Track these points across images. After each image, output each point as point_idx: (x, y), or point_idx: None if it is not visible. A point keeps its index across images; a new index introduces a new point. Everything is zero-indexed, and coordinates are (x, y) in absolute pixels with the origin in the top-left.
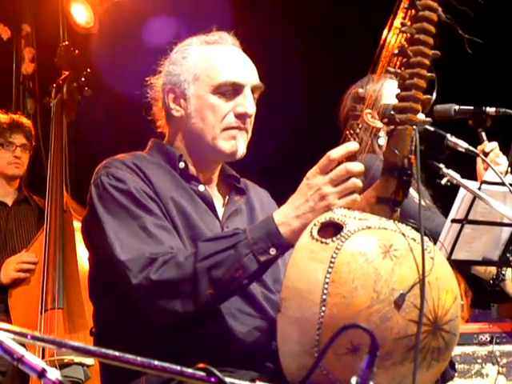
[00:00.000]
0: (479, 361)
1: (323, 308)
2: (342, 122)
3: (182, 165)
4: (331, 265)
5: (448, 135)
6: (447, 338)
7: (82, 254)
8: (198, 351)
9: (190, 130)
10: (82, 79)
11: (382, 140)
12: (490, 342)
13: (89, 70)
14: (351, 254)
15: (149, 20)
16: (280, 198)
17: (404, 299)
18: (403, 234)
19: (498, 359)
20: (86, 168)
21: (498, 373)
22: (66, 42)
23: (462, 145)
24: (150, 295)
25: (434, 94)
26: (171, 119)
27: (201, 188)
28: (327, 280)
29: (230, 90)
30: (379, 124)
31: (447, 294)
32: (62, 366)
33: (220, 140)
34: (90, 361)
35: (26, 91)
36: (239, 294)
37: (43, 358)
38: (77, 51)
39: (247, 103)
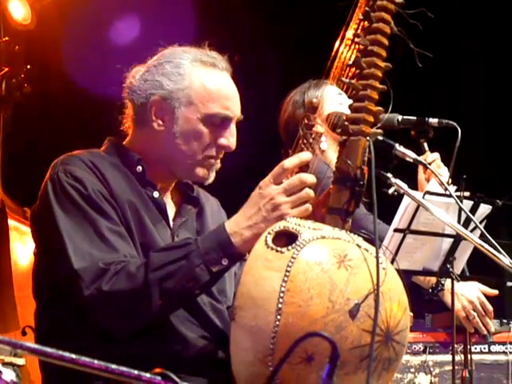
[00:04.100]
0: (412, 370)
1: (278, 317)
2: (281, 127)
3: (139, 169)
4: (287, 273)
5: (396, 145)
6: (398, 348)
7: (17, 253)
8: (144, 358)
9: (170, 149)
10: (22, 76)
11: (324, 144)
12: (424, 352)
13: (29, 66)
14: (306, 263)
15: (91, 16)
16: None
17: (359, 309)
18: (357, 245)
19: (431, 369)
20: (18, 165)
21: (431, 382)
22: (6, 38)
23: (410, 155)
24: (101, 306)
25: (390, 107)
26: (146, 127)
27: (155, 194)
28: (283, 289)
29: (219, 122)
30: (320, 129)
31: (398, 304)
32: None
33: (198, 167)
34: (20, 361)
35: None
36: (189, 305)
37: None
38: (17, 47)
39: (231, 138)
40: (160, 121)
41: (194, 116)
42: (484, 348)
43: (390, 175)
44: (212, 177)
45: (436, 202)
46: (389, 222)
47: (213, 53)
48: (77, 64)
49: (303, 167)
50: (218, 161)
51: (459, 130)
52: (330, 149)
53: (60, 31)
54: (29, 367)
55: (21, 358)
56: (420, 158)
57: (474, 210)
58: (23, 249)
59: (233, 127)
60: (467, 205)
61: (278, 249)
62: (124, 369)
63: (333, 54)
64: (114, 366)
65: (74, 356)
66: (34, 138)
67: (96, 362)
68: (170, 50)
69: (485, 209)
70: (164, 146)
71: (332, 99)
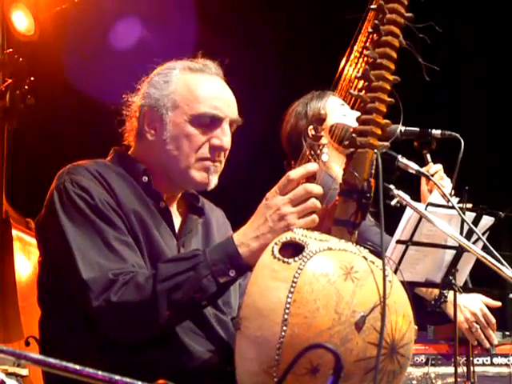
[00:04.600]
0: (414, 382)
1: (284, 328)
2: (284, 138)
3: (145, 179)
4: (293, 284)
5: (399, 156)
6: (402, 361)
7: (20, 263)
8: (148, 368)
9: (163, 156)
10: (26, 87)
11: (326, 156)
12: (426, 364)
13: (32, 78)
14: (313, 275)
15: (93, 26)
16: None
17: (364, 321)
18: (364, 257)
19: (433, 381)
20: (21, 176)
21: None
22: (10, 50)
23: (413, 166)
24: (109, 317)
25: (401, 121)
26: (143, 140)
27: (161, 205)
28: (289, 300)
29: (208, 122)
30: (324, 140)
31: (404, 318)
32: None
33: (193, 170)
34: (24, 371)
35: None
36: (194, 315)
37: None
38: (21, 59)
39: (224, 137)
40: (152, 130)
41: (182, 119)
42: (486, 360)
43: (392, 187)
44: (214, 181)
45: (438, 213)
46: (391, 233)
47: (203, 60)
48: (80, 73)
49: (310, 178)
50: (219, 164)
51: (462, 141)
52: (332, 160)
53: (63, 42)
54: (32, 378)
55: (24, 368)
56: (423, 170)
57: (476, 221)
58: (26, 259)
59: (226, 127)
60: (470, 216)
61: (285, 259)
62: (128, 380)
63: (341, 66)
64: (117, 377)
65: (77, 367)
66: (38, 149)
67: (100, 373)
68: (165, 64)
69: (487, 220)
70: (159, 154)
71: (335, 110)
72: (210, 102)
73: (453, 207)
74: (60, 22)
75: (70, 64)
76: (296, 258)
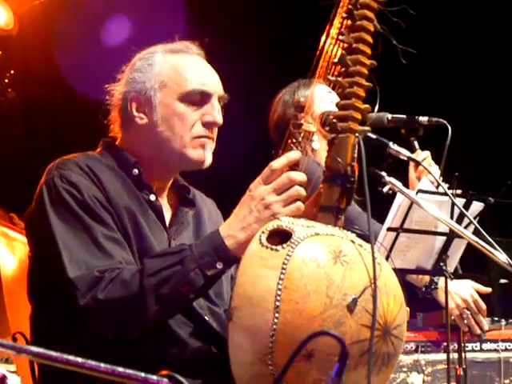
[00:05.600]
0: (405, 369)
1: (276, 315)
2: (272, 128)
3: (135, 171)
4: (283, 271)
5: (390, 143)
6: (396, 343)
7: (5, 259)
8: (142, 362)
9: (155, 138)
10: (6, 81)
11: (317, 144)
12: (416, 351)
13: (12, 71)
14: (302, 260)
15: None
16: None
17: (356, 304)
18: (351, 241)
19: (424, 368)
20: (3, 171)
21: (423, 381)
22: None
23: (404, 153)
24: (97, 314)
25: (377, 105)
26: (132, 126)
27: (152, 197)
28: (280, 286)
29: (198, 99)
30: (312, 128)
31: (395, 299)
32: None
33: (189, 148)
34: (11, 367)
35: None
36: (185, 308)
37: None
38: (0, 52)
39: (215, 112)
40: (142, 114)
41: (171, 98)
42: (476, 346)
43: (384, 173)
44: (209, 158)
45: (428, 200)
46: (381, 221)
47: (184, 42)
48: (62, 67)
49: (293, 166)
50: (212, 140)
51: (449, 127)
52: (321, 148)
53: (43, 35)
54: (19, 373)
55: (12, 364)
56: (414, 156)
57: (466, 207)
58: (11, 254)
59: (215, 102)
60: (459, 202)
61: (273, 247)
62: (131, 371)
63: (318, 52)
64: (120, 369)
65: (79, 360)
66: (20, 143)
67: (102, 365)
68: (144, 51)
69: (477, 206)
70: (151, 138)
71: (322, 98)
72: (197, 79)
73: (444, 193)
74: (40, 15)
75: (51, 57)
76: (284, 245)
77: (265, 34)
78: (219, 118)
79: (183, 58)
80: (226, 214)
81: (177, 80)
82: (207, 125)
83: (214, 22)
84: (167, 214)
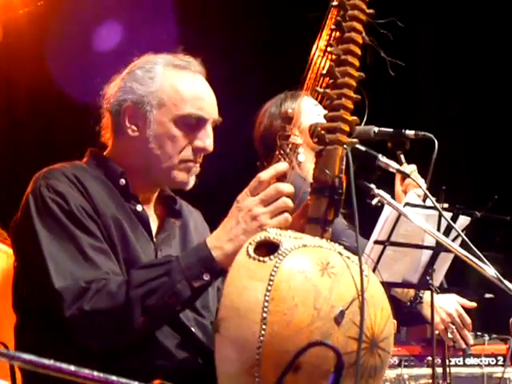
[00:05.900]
0: None
1: (264, 326)
2: (257, 139)
3: (122, 182)
4: (270, 283)
5: (379, 155)
6: (383, 355)
7: None
8: (128, 373)
9: (145, 153)
10: None
11: (302, 156)
12: (399, 365)
13: None
14: (290, 272)
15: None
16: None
17: (343, 316)
18: (339, 253)
19: (406, 382)
20: None
21: None
22: None
23: (393, 165)
24: (83, 326)
25: (365, 117)
26: (122, 136)
27: (139, 208)
28: (267, 298)
29: (193, 123)
30: (299, 140)
31: (382, 311)
32: None
33: (175, 170)
34: None
35: None
36: (172, 320)
37: None
38: None
39: (207, 139)
40: (134, 126)
41: (167, 118)
42: (459, 361)
43: (373, 186)
44: (192, 181)
45: (415, 213)
46: (367, 233)
47: (186, 57)
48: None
49: (281, 178)
50: (198, 165)
51: (436, 141)
52: (307, 161)
53: (28, 45)
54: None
55: None
56: (403, 169)
57: (453, 221)
58: None
59: (209, 129)
60: (446, 216)
61: (261, 258)
62: (124, 380)
63: (307, 64)
64: (113, 378)
65: (73, 368)
66: (3, 151)
67: (95, 373)
68: (144, 57)
69: (464, 220)
70: (140, 152)
71: (309, 111)
72: (195, 103)
73: (432, 207)
74: (24, 24)
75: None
76: (271, 257)
77: (255, 34)
78: (210, 145)
79: (184, 76)
80: (213, 226)
81: (175, 100)
82: (197, 150)
83: (204, 21)
84: (154, 225)
